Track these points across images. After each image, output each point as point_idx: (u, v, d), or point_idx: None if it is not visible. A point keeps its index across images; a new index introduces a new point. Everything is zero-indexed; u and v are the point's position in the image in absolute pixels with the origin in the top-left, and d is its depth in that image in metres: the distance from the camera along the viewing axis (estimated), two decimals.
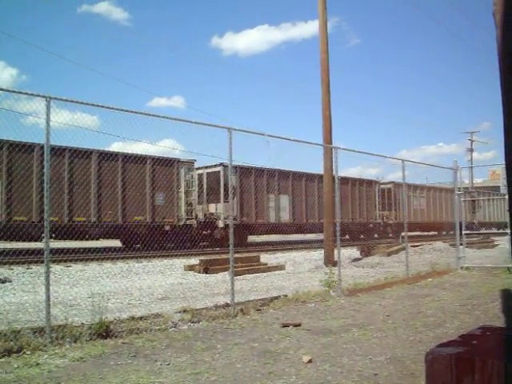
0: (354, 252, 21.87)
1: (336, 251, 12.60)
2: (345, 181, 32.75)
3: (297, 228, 31.04)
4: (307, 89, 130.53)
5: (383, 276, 13.61)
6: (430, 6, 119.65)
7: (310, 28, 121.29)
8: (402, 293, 11.01)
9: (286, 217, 30.89)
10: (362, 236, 37.27)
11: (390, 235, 38.76)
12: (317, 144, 13.34)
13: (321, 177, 31.06)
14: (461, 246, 16.04)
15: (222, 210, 26.99)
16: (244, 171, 27.87)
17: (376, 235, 38.93)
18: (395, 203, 39.71)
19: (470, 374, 2.75)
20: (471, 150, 73.31)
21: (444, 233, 44.66)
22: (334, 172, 12.58)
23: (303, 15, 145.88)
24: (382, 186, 40.05)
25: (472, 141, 73.73)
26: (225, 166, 25.97)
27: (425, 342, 6.43)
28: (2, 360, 5.67)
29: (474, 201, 47.08)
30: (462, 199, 16.79)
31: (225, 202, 26.70)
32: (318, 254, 20.04)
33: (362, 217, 36.92)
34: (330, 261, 16.51)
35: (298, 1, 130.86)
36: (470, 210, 46.63)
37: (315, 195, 31.35)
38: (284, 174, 30.37)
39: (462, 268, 15.35)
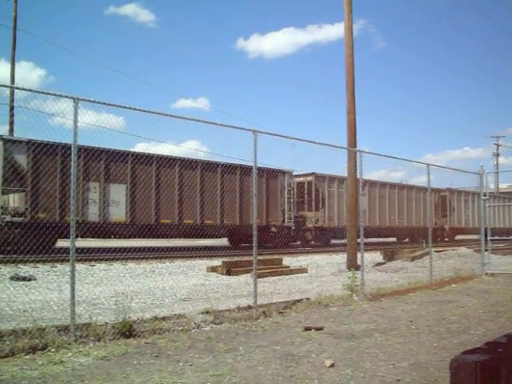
0: (377, 256, 21.75)
1: (359, 255, 12.54)
2: (232, 170, 25.64)
3: (138, 230, 22.92)
4: (332, 92, 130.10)
5: (406, 281, 13.50)
6: (452, 9, 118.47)
7: (336, 30, 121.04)
8: (426, 298, 10.91)
9: (118, 214, 22.19)
10: (266, 244, 26.72)
11: (313, 242, 31.23)
12: (341, 147, 13.32)
13: (197, 163, 23.63)
14: (486, 252, 15.84)
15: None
16: (43, 149, 19.09)
17: (298, 242, 30.87)
18: (317, 201, 30.78)
19: (496, 382, 2.72)
20: (497, 155, 72.66)
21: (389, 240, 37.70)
22: (358, 175, 12.51)
23: (330, 17, 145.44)
24: (301, 179, 30.85)
25: (498, 145, 72.99)
26: (6, 140, 19.68)
27: (448, 348, 6.36)
28: (27, 357, 5.76)
29: (444, 202, 40.84)
30: (489, 204, 16.57)
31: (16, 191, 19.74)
32: (341, 258, 19.97)
33: (257, 218, 26.55)
34: (352, 265, 16.42)
35: (325, 3, 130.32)
36: (439, 213, 40.75)
37: (175, 186, 23.79)
38: (118, 157, 21.56)
39: (486, 274, 15.16)
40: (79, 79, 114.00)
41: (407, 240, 38.05)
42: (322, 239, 28.86)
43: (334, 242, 31.18)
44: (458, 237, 42.27)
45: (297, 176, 30.33)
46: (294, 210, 29.62)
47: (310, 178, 30.93)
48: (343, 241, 29.01)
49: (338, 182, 32.33)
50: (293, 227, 29.28)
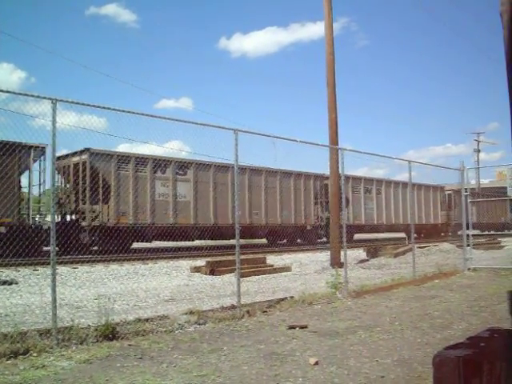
0: (360, 253, 21.82)
1: (342, 252, 12.57)
2: None
3: None
4: (315, 90, 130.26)
5: (390, 277, 13.55)
6: (434, 7, 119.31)
7: (318, 29, 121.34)
8: (409, 294, 10.97)
9: None
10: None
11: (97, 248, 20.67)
12: (323, 145, 13.34)
13: None
14: (468, 247, 15.98)
15: None
16: None
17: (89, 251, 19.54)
18: (97, 189, 20.70)
19: (478, 377, 2.73)
20: (478, 151, 73.08)
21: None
22: (340, 172, 12.54)
23: (312, 15, 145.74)
24: (76, 159, 21.47)
25: (479, 141, 73.50)
26: None
27: (432, 344, 6.39)
28: (9, 362, 5.68)
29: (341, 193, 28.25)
30: (470, 200, 16.69)
31: None
32: (324, 256, 19.99)
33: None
34: (336, 262, 16.46)
35: (308, 0, 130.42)
36: (325, 207, 29.66)
37: None
38: None
39: (469, 269, 15.28)
40: (61, 80, 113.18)
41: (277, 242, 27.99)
42: (108, 242, 19.91)
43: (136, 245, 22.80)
44: (357, 236, 32.70)
45: (73, 155, 21.42)
46: (72, 201, 21.84)
47: (84, 157, 20.95)
48: (150, 244, 22.54)
49: (137, 163, 22.28)
50: (45, 227, 19.15)
